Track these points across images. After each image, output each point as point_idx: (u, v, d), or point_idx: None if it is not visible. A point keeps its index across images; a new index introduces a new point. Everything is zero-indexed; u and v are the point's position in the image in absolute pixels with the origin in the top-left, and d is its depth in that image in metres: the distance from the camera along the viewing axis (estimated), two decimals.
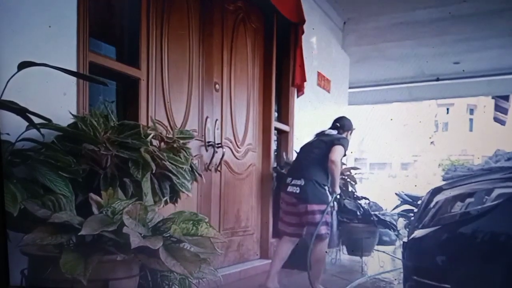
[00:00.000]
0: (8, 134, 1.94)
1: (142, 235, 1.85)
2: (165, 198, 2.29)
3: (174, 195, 2.40)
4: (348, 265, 5.03)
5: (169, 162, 2.27)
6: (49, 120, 1.96)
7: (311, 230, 3.68)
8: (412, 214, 6.61)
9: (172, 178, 2.29)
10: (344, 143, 3.80)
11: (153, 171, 2.19)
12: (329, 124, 4.08)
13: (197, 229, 1.98)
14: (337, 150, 3.74)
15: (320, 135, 3.97)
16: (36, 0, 2.23)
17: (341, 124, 4.02)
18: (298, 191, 3.70)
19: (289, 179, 3.80)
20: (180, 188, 2.33)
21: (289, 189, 3.75)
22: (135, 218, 1.91)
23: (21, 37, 2.15)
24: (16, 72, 1.88)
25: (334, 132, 3.96)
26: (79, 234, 1.77)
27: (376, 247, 5.19)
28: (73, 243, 1.88)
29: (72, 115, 2.21)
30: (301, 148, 4.04)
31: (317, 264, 3.71)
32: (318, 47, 5.56)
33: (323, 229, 3.67)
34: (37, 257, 1.89)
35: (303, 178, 3.72)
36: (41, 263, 1.89)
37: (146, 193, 2.14)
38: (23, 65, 1.90)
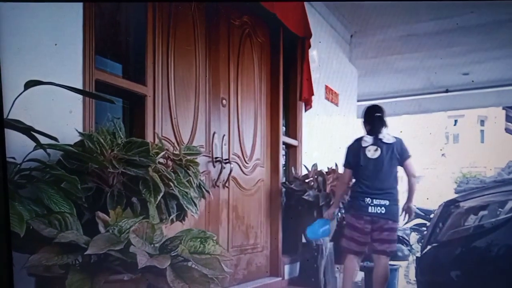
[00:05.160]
0: (14, 158, 1.93)
1: (150, 254, 1.82)
2: (171, 217, 2.26)
3: (182, 213, 2.37)
4: (359, 282, 4.93)
5: (174, 185, 2.24)
6: (55, 139, 1.94)
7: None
8: (424, 228, 6.51)
9: (179, 198, 2.27)
10: None
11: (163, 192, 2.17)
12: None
13: (204, 246, 1.95)
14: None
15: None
16: (42, 18, 2.24)
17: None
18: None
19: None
20: (187, 208, 2.30)
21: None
22: (142, 236, 1.89)
23: (27, 55, 2.15)
24: (23, 91, 1.88)
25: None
26: (85, 253, 1.75)
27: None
28: (80, 263, 1.85)
29: (79, 132, 2.20)
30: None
31: None
32: (325, 60, 5.55)
33: None
34: (43, 278, 1.86)
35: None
36: (47, 284, 1.87)
37: (153, 216, 2.11)
38: (29, 84, 1.90)
